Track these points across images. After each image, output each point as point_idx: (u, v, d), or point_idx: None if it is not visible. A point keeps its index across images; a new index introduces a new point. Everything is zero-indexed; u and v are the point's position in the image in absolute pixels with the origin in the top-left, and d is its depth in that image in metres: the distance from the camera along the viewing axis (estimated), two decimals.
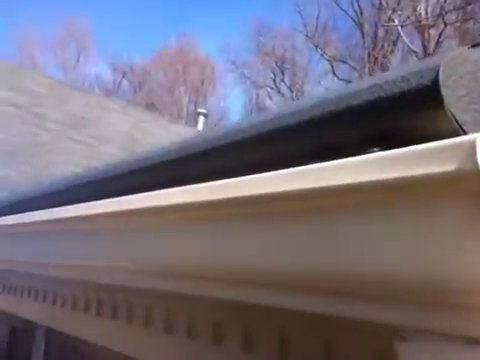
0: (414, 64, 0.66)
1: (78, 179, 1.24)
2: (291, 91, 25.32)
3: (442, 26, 18.56)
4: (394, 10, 19.72)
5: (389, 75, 0.65)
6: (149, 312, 1.24)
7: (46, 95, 7.68)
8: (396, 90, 0.61)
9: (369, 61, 21.29)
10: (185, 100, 28.90)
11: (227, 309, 1.00)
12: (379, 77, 0.67)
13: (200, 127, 11.51)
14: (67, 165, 6.82)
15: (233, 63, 27.38)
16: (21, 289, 2.04)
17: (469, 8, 18.43)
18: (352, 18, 22.19)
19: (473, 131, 0.64)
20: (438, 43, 18.46)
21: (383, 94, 0.62)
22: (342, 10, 22.52)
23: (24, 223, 1.35)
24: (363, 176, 0.60)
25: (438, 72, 0.65)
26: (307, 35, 23.73)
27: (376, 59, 21.02)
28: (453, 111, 0.64)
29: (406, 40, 19.80)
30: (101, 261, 1.09)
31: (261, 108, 24.99)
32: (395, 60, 20.91)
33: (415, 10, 18.71)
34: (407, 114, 0.63)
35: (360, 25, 21.95)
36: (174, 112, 28.03)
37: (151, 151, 1.06)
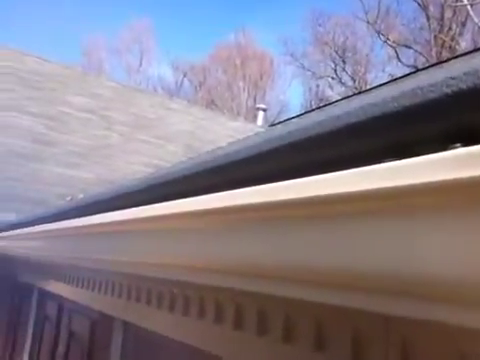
0: None
1: (153, 180, 1.29)
2: (353, 80, 24.58)
3: None
4: None
5: (468, 66, 0.59)
6: (220, 308, 1.27)
7: (113, 98, 8.05)
8: (478, 81, 0.55)
9: (436, 45, 20.13)
10: (244, 95, 29.05)
11: (298, 307, 1.00)
12: (455, 69, 0.62)
13: (260, 122, 11.53)
14: (136, 165, 7.13)
15: (292, 55, 27.10)
16: (99, 284, 2.16)
17: None
18: (416, 0, 21.08)
19: None
20: None
21: (462, 86, 0.57)
22: None
23: (105, 223, 1.42)
24: (436, 175, 0.56)
25: None
26: (368, 21, 22.90)
27: (443, 42, 19.84)
28: None
29: (476, 20, 18.46)
30: (180, 260, 1.12)
31: (321, 99, 24.51)
32: (465, 43, 19.61)
33: None
34: None
35: (425, 7, 20.80)
36: (233, 108, 28.28)
37: (219, 152, 1.08)
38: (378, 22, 22.50)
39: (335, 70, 25.37)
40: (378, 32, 22.80)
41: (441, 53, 19.09)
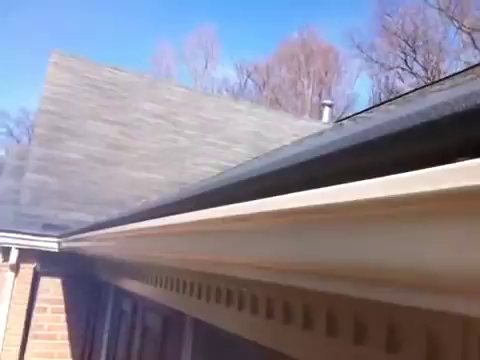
0: None
1: (221, 182, 1.31)
2: (425, 70, 23.32)
3: None
4: None
5: None
6: (287, 307, 1.28)
7: (181, 103, 8.32)
8: None
9: None
10: (308, 92, 28.64)
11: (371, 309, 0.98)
12: None
13: (325, 118, 11.30)
14: (206, 166, 7.32)
15: (358, 47, 26.27)
16: (171, 283, 2.24)
17: None
18: None
19: None
20: None
21: None
22: None
23: (183, 223, 1.46)
24: None
25: None
26: (440, 8, 21.61)
27: None
28: None
29: None
30: (255, 260, 1.13)
31: (392, 91, 23.50)
32: None
33: None
34: None
35: None
36: (298, 106, 27.99)
37: (289, 153, 1.08)
38: (451, 8, 21.16)
39: (405, 60, 24.22)
40: (451, 18, 21.45)
41: None
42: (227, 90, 30.98)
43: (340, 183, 0.78)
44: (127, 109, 7.54)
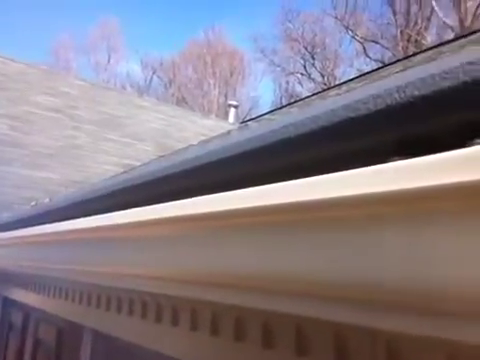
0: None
1: (116, 185, 1.20)
2: (322, 76, 24.81)
3: None
4: None
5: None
6: (194, 316, 1.22)
7: (81, 97, 7.82)
8: None
9: (402, 39, 20.51)
10: (215, 92, 28.91)
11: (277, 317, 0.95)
12: (474, 53, 0.54)
13: (231, 119, 11.47)
14: (105, 165, 6.94)
15: (262, 51, 27.12)
16: (66, 292, 2.06)
17: None
18: None
19: None
20: (475, 16, 17.53)
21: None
22: None
23: (66, 231, 1.34)
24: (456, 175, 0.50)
25: None
26: (337, 17, 23.14)
27: (410, 37, 20.23)
28: None
29: (440, 15, 18.92)
30: (143, 270, 1.05)
31: (292, 95, 24.65)
32: (430, 37, 20.05)
33: None
34: None
35: (391, 2, 21.16)
36: (204, 105, 28.13)
37: (190, 153, 1.00)
38: (346, 18, 22.77)
39: (304, 66, 25.55)
40: (346, 27, 23.08)
41: (407, 48, 19.47)
42: (131, 86, 30.04)
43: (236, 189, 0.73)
44: (17, 102, 6.89)
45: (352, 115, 0.59)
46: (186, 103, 26.84)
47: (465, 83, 0.49)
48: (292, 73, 26.29)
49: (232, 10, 43.06)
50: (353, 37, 23.18)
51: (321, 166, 0.63)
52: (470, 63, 0.48)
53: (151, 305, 1.38)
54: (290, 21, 25.83)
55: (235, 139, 0.89)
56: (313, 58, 25.19)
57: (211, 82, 29.04)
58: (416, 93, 0.51)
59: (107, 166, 6.92)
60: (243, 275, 0.77)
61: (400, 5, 20.94)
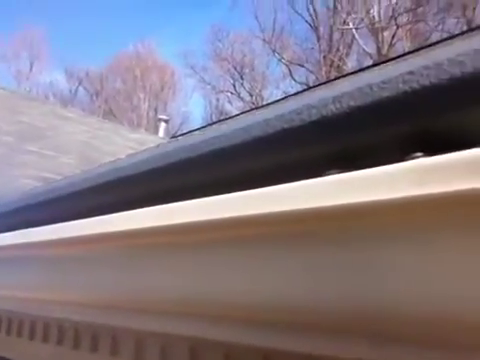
0: (464, 43, 0.50)
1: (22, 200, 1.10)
2: (251, 96, 25.40)
3: (394, 28, 19.14)
4: (348, 13, 20.18)
5: (425, 58, 0.51)
6: (96, 340, 1.14)
7: None
8: (443, 76, 0.46)
9: (325, 64, 21.66)
10: (145, 106, 28.45)
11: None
12: (412, 62, 0.54)
13: (161, 133, 11.31)
14: (24, 179, 6.48)
15: (192, 68, 27.23)
16: None
17: (419, 10, 19.13)
18: (307, 22, 22.54)
19: None
20: (391, 45, 19.02)
21: (424, 82, 0.48)
22: (298, 14, 22.86)
23: None
24: (398, 191, 0.48)
25: None
26: (264, 40, 23.93)
27: (332, 62, 21.42)
28: None
29: (361, 43, 20.29)
30: (43, 293, 0.96)
31: (221, 112, 24.94)
32: (351, 63, 21.38)
33: (368, 13, 19.22)
34: (461, 109, 0.47)
35: (315, 28, 22.32)
36: (134, 119, 27.54)
37: (107, 167, 0.94)
38: (273, 41, 23.62)
39: (234, 85, 26.03)
40: (273, 50, 23.93)
41: (330, 72, 20.58)
42: (55, 96, 28.66)
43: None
44: None
45: (285, 126, 0.58)
46: (114, 116, 26.09)
47: (405, 93, 0.49)
48: (222, 91, 26.65)
49: (162, 26, 42.93)
50: (280, 60, 24.09)
51: (250, 179, 0.61)
52: (410, 72, 0.49)
53: (69, 331, 1.28)
54: (220, 40, 26.29)
55: (158, 152, 0.85)
56: (242, 78, 25.75)
57: (141, 95, 28.53)
58: (352, 103, 0.51)
59: (25, 180, 6.46)
60: (160, 299, 0.73)
61: (323, 31, 22.16)
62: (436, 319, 0.48)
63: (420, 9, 19.11)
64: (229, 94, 26.41)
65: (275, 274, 0.58)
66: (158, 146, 1.01)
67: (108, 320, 0.94)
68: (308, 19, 22.41)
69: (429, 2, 18.88)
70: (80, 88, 30.08)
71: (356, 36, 20.09)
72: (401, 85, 0.49)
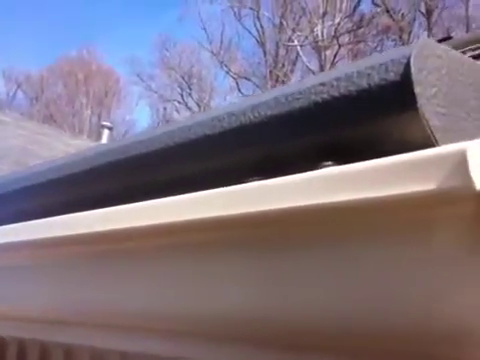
0: (377, 56, 0.56)
1: None
2: (199, 106, 25.37)
3: (336, 47, 20.01)
4: (293, 31, 20.84)
5: (339, 71, 0.56)
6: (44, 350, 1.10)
7: None
8: (351, 88, 0.51)
9: (271, 79, 22.14)
10: (87, 112, 27.54)
11: None
12: (326, 75, 0.59)
13: (104, 141, 10.98)
14: None
15: (138, 75, 26.79)
16: None
17: (360, 32, 20.17)
18: (254, 37, 23.00)
19: (443, 140, 0.55)
20: (333, 63, 19.81)
21: (334, 93, 0.53)
22: (245, 29, 23.26)
23: None
24: (308, 198, 0.49)
25: (409, 64, 0.52)
26: (212, 52, 24.09)
27: (277, 77, 21.93)
28: (426, 115, 0.53)
29: (304, 60, 20.98)
30: None
31: (169, 121, 24.64)
32: (295, 78, 22.00)
33: (312, 31, 19.94)
34: (367, 119, 0.53)
35: (262, 44, 22.80)
36: (75, 125, 26.57)
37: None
38: (221, 53, 23.84)
39: (181, 95, 25.88)
40: (221, 63, 24.12)
41: (275, 87, 21.04)
42: None
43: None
44: None
45: (206, 132, 0.61)
46: (54, 121, 25.04)
47: (316, 103, 0.54)
48: (169, 100, 26.39)
49: (108, 31, 41.95)
50: (227, 72, 24.32)
51: (166, 187, 0.61)
52: (322, 84, 0.54)
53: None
54: (167, 49, 26.13)
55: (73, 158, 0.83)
56: (190, 88, 25.67)
57: (83, 101, 27.61)
58: (269, 113, 0.55)
59: None
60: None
61: (270, 47, 22.68)
62: (344, 328, 0.52)
63: (361, 30, 20.13)
64: (177, 103, 26.20)
65: (170, 284, 0.60)
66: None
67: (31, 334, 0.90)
68: (255, 34, 22.88)
69: (369, 25, 19.94)
70: (19, 92, 28.64)
71: (300, 53, 20.76)
72: (313, 96, 0.54)
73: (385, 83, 0.50)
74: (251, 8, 22.28)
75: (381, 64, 0.52)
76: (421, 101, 0.51)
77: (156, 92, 26.79)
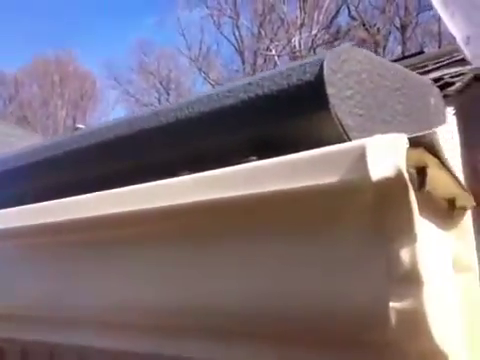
0: (305, 59, 0.60)
1: None
2: None
3: None
4: (271, 40, 21.09)
5: (268, 72, 0.60)
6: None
7: None
8: (273, 87, 0.55)
9: None
10: (62, 114, 27.11)
11: None
12: (256, 75, 0.64)
13: None
14: None
15: (116, 79, 26.59)
16: None
17: (336, 43, 20.58)
18: (233, 45, 23.17)
19: (358, 139, 0.57)
20: None
21: (258, 92, 0.57)
22: (224, 36, 23.42)
23: None
24: (228, 191, 0.52)
25: (322, 67, 0.56)
26: (191, 58, 24.14)
27: None
28: (339, 114, 0.57)
29: None
30: None
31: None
32: None
33: (290, 42, 20.23)
34: (286, 116, 0.56)
35: (241, 52, 22.99)
36: (50, 127, 26.11)
37: None
38: (200, 60, 23.90)
39: (159, 100, 25.77)
40: (199, 69, 24.17)
41: None
42: None
43: None
44: None
45: (143, 127, 0.64)
46: (28, 123, 24.53)
47: (243, 101, 0.58)
48: (146, 105, 26.25)
49: (86, 34, 41.51)
50: (205, 79, 24.37)
51: (103, 181, 0.63)
52: (250, 83, 0.58)
53: None
54: (145, 54, 26.05)
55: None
56: (168, 93, 25.61)
57: (58, 103, 27.18)
58: (202, 109, 0.59)
59: None
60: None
61: (248, 55, 22.88)
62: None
63: (337, 42, 20.52)
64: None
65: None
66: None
67: None
68: (234, 42, 23.05)
69: (345, 37, 20.37)
70: None
71: (278, 63, 21.00)
72: (242, 94, 0.58)
73: (301, 83, 0.54)
74: (230, 17, 22.48)
75: (301, 66, 0.56)
76: (334, 101, 0.55)
77: (133, 96, 26.62)
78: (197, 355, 0.57)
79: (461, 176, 1.23)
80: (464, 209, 0.77)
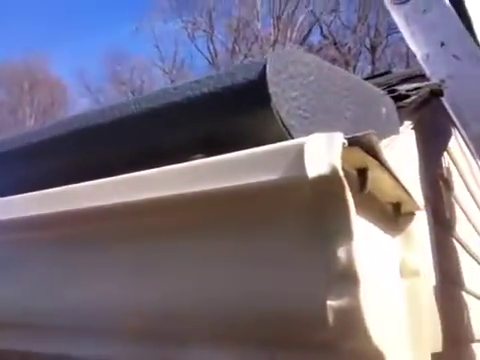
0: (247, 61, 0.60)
1: None
2: None
3: None
4: (246, 56, 21.35)
5: (217, 72, 0.61)
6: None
7: None
8: (218, 85, 0.56)
9: None
10: (31, 122, 26.51)
11: None
12: (205, 75, 0.64)
13: None
14: None
15: (87, 88, 26.28)
16: None
17: None
18: (207, 58, 23.34)
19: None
20: None
21: (204, 90, 0.57)
22: (198, 50, 23.57)
23: None
24: (174, 188, 0.53)
25: (265, 66, 0.58)
26: (164, 70, 24.13)
27: None
28: (282, 114, 0.59)
29: None
30: None
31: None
32: None
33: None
34: (231, 114, 0.58)
35: (215, 66, 23.15)
36: None
37: None
38: (173, 72, 23.93)
39: None
40: (172, 81, 24.18)
41: None
42: None
43: None
44: None
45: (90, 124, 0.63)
46: None
47: (188, 98, 0.58)
48: None
49: (57, 41, 40.94)
50: None
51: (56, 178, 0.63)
52: (197, 81, 0.59)
53: None
54: (118, 64, 25.89)
55: None
56: None
57: (27, 110, 26.58)
58: (150, 105, 0.59)
59: None
60: None
61: (222, 69, 23.07)
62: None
63: None
64: (101, 106, 25.81)
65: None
66: None
67: None
68: (208, 56, 23.22)
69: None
70: None
71: None
72: (188, 91, 0.59)
73: (245, 82, 0.55)
74: (205, 30, 22.66)
75: (247, 65, 0.57)
76: (276, 100, 0.56)
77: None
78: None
79: (419, 189, 1.26)
80: (410, 215, 0.79)
